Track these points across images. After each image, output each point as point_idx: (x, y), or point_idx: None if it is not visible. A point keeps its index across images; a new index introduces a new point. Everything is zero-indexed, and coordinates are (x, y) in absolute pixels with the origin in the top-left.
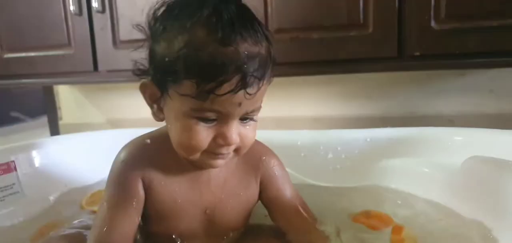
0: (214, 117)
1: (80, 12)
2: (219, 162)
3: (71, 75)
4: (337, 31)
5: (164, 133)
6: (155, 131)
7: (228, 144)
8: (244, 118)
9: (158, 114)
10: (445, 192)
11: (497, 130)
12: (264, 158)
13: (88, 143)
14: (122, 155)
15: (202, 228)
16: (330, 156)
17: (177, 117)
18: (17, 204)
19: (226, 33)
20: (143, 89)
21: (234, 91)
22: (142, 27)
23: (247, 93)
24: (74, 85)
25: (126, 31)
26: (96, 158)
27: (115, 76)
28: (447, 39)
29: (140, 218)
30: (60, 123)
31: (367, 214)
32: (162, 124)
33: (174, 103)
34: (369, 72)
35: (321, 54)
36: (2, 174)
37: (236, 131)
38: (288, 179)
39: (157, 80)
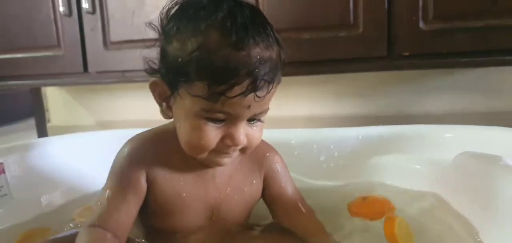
0: (223, 118)
1: (69, 13)
2: (226, 160)
3: (61, 77)
4: (328, 32)
5: (169, 129)
6: (160, 127)
7: (235, 144)
8: (251, 119)
9: (167, 112)
10: (437, 187)
11: (486, 126)
12: (267, 154)
13: (80, 144)
14: (127, 148)
15: (205, 224)
16: (323, 154)
17: (187, 116)
18: (5, 207)
19: (239, 38)
20: (153, 87)
21: (244, 94)
22: (155, 25)
23: (257, 96)
24: (62, 87)
25: (117, 32)
26: (88, 160)
27: (105, 78)
28: (435, 39)
29: (138, 211)
30: (48, 125)
31: (364, 199)
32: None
33: (185, 103)
34: (360, 72)
35: (312, 54)
36: None
37: (243, 132)
38: (290, 176)
39: (168, 79)
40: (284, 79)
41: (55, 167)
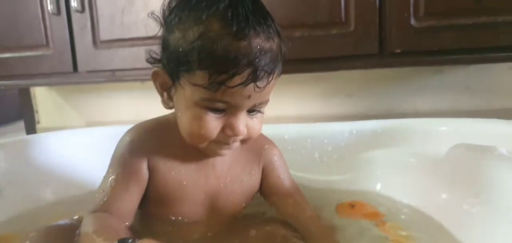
0: (223, 108)
1: (58, 12)
2: (226, 151)
3: (50, 77)
4: (319, 29)
5: (170, 119)
6: (161, 116)
7: (235, 135)
8: (251, 110)
9: (168, 102)
10: (431, 179)
11: (479, 119)
12: (266, 146)
13: (70, 141)
14: (128, 137)
15: (204, 212)
16: (316, 149)
17: (187, 106)
18: None
19: (240, 28)
20: (155, 77)
21: (244, 84)
22: (157, 16)
23: (257, 86)
24: (52, 87)
25: (107, 31)
26: (79, 157)
27: (95, 77)
28: (425, 36)
29: (140, 199)
30: (38, 126)
31: (352, 205)
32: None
33: (186, 92)
34: (351, 70)
35: (303, 52)
36: None
37: (243, 122)
38: (287, 169)
39: (170, 69)
40: None
41: (46, 163)
